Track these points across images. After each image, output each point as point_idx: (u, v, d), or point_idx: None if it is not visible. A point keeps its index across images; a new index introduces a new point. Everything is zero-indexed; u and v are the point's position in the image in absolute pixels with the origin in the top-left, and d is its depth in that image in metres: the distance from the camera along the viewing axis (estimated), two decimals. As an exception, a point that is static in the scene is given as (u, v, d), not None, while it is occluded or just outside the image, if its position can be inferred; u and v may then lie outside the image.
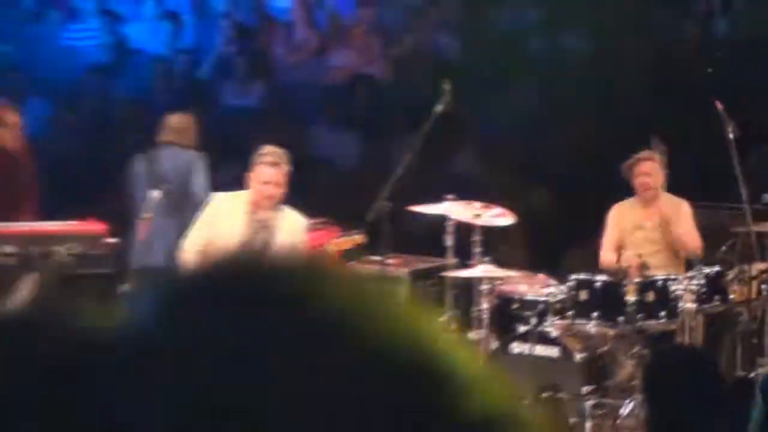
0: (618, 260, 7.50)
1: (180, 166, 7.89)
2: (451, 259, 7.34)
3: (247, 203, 6.75)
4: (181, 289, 0.90)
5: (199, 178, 7.84)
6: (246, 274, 0.89)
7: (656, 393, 4.03)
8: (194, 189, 7.68)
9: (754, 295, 7.25)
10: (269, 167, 6.65)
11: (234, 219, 6.76)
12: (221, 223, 6.79)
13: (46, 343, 0.84)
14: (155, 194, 7.34)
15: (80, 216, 7.28)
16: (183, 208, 7.47)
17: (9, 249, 6.88)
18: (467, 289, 7.44)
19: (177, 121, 8.08)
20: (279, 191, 6.67)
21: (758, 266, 7.24)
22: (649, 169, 7.51)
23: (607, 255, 7.63)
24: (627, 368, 7.02)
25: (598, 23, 10.01)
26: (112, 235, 7.11)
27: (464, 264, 7.33)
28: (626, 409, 6.74)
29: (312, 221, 6.97)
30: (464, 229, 7.27)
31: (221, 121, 10.12)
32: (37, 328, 0.86)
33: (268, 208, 6.71)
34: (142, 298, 0.89)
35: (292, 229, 6.74)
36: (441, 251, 7.37)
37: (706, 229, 7.51)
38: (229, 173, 7.68)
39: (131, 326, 0.86)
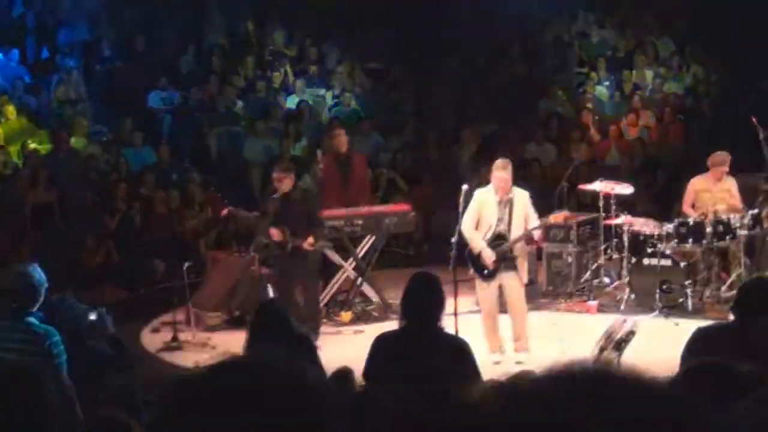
0: (695, 210, 11.47)
1: None
2: (601, 213, 11.94)
3: (495, 192, 9.71)
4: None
5: None
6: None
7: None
8: None
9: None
10: (502, 171, 9.75)
11: (490, 203, 9.74)
12: (483, 207, 9.71)
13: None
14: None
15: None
16: None
17: (358, 221, 11.99)
18: (611, 229, 11.88)
19: None
20: (509, 183, 9.67)
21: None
22: (726, 164, 11.62)
23: (687, 208, 11.70)
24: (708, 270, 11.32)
25: None
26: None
27: (608, 216, 11.83)
28: (707, 291, 11.14)
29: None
30: (606, 196, 11.79)
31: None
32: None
33: (506, 192, 9.76)
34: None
35: (522, 198, 9.73)
36: (596, 209, 12.01)
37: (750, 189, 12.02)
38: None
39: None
